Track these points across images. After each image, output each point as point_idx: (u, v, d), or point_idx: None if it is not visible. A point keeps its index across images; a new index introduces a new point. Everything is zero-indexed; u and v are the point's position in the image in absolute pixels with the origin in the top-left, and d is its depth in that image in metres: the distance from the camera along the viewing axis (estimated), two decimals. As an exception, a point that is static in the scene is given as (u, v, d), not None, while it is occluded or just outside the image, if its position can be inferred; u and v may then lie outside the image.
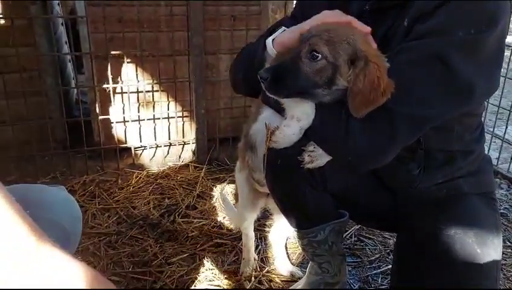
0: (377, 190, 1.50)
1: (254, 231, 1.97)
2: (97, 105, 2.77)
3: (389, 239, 2.22)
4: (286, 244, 2.11)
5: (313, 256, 1.59)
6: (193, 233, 2.20)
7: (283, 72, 1.19)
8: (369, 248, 2.17)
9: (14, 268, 0.62)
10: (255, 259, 1.99)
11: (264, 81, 1.18)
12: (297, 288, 1.80)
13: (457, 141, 1.35)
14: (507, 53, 2.56)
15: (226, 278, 1.92)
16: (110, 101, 2.79)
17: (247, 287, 1.86)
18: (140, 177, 2.74)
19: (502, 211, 2.54)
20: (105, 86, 2.73)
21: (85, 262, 0.74)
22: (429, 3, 1.14)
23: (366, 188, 1.51)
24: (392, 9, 1.26)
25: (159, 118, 2.93)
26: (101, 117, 2.79)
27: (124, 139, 2.89)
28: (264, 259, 2.06)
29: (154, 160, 2.96)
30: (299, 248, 1.83)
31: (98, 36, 2.65)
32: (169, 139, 3.01)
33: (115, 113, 2.82)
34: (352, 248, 2.16)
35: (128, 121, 2.86)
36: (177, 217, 2.34)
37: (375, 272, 2.01)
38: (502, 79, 2.47)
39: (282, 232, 1.98)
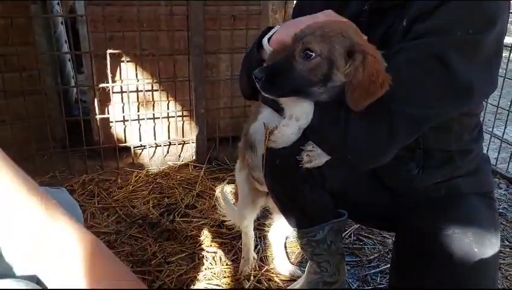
0: (375, 189, 1.50)
1: (253, 230, 1.97)
2: (96, 104, 2.77)
3: (388, 239, 2.23)
4: (285, 243, 2.11)
5: (312, 255, 1.59)
6: (192, 232, 2.20)
7: (277, 72, 1.19)
8: (368, 247, 2.17)
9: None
10: (254, 258, 1.99)
11: (259, 80, 1.18)
12: (296, 287, 1.80)
13: (456, 141, 1.36)
14: (506, 53, 2.56)
15: (225, 277, 1.93)
16: (110, 101, 2.79)
17: (246, 287, 1.86)
18: (139, 177, 2.74)
19: (500, 210, 2.54)
20: (104, 85, 2.73)
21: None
22: (429, 3, 1.15)
23: (365, 188, 1.51)
24: (392, 9, 1.26)
25: (158, 118, 2.93)
26: (100, 116, 2.79)
27: (123, 138, 2.89)
28: (263, 258, 2.06)
29: (154, 159, 2.96)
30: (298, 247, 1.83)
31: (98, 35, 2.64)
32: (169, 138, 3.01)
33: (114, 112, 2.82)
34: (351, 247, 2.17)
35: (127, 121, 2.86)
36: (176, 216, 2.34)
37: (374, 271, 2.01)
38: (500, 79, 2.48)
39: (281, 232, 1.98)
